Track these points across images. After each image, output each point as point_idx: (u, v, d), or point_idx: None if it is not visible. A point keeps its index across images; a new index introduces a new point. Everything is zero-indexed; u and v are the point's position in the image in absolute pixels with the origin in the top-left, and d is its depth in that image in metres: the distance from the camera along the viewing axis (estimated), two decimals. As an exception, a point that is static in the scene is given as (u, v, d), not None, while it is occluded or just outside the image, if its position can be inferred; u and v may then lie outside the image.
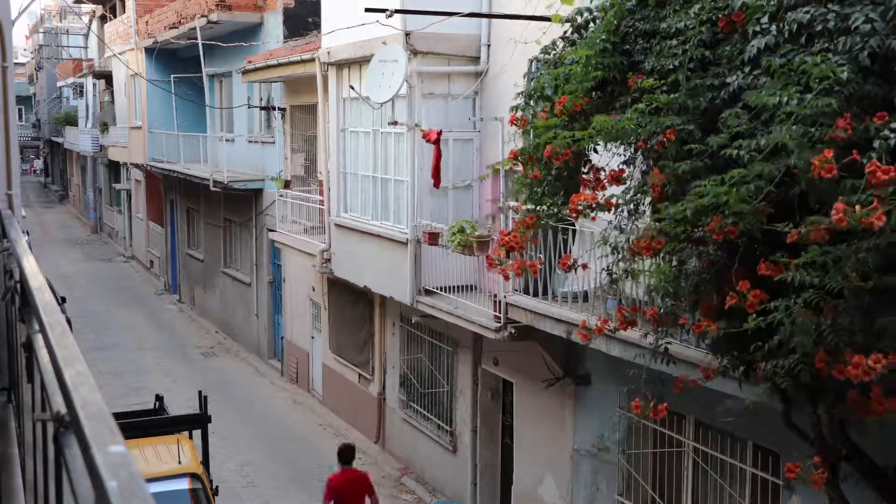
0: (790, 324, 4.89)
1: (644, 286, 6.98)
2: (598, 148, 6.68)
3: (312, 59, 15.76)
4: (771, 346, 5.15)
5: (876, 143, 4.77)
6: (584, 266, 7.21)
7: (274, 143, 20.67)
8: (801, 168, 4.87)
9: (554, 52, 7.70)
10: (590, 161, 6.84)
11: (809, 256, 4.76)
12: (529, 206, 7.00)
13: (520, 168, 7.26)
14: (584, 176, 6.77)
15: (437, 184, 11.98)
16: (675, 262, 6.07)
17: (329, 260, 15.49)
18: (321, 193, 16.30)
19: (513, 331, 10.42)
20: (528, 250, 8.35)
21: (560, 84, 6.94)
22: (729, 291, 5.27)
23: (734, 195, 5.00)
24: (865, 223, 4.41)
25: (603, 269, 7.14)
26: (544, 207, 6.97)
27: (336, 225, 15.06)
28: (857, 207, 4.47)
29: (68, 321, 2.50)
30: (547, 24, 8.84)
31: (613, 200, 6.39)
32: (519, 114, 7.46)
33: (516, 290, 10.17)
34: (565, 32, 7.77)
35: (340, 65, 14.57)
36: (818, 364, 4.96)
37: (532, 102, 7.46)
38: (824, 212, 4.88)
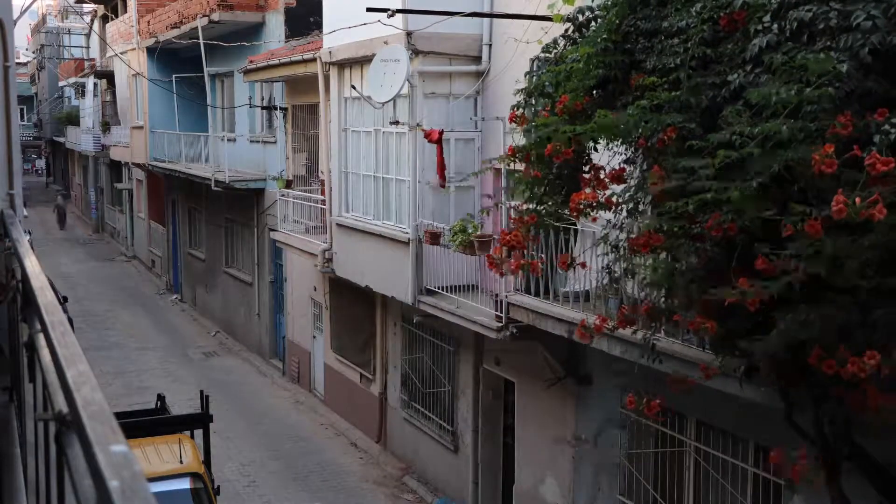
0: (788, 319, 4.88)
1: (641, 283, 6.98)
2: (599, 147, 6.68)
3: (314, 59, 15.76)
4: (776, 348, 5.13)
5: (876, 139, 4.76)
6: (583, 265, 7.20)
7: (275, 142, 20.68)
8: (800, 164, 4.86)
9: (555, 50, 7.70)
10: (590, 160, 6.83)
11: (810, 250, 4.73)
12: (530, 206, 7.00)
13: (520, 166, 7.25)
14: (584, 175, 6.77)
15: (442, 184, 12.01)
16: (669, 259, 6.06)
17: (330, 259, 15.49)
18: (322, 193, 16.31)
19: (514, 330, 10.42)
20: (530, 249, 8.34)
21: (561, 81, 6.94)
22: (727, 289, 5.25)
23: (735, 193, 4.99)
24: (865, 215, 4.40)
25: (603, 267, 7.13)
26: (545, 206, 6.96)
27: (337, 224, 15.07)
28: (858, 200, 4.46)
29: (70, 321, 2.50)
30: (548, 23, 8.83)
31: (614, 199, 6.39)
32: (519, 111, 7.45)
33: (518, 290, 10.17)
34: (567, 31, 7.77)
35: (342, 64, 14.57)
36: (811, 360, 4.95)
37: (533, 100, 7.45)
38: (822, 208, 4.86)
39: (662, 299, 6.28)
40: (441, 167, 11.90)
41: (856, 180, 4.65)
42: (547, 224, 7.21)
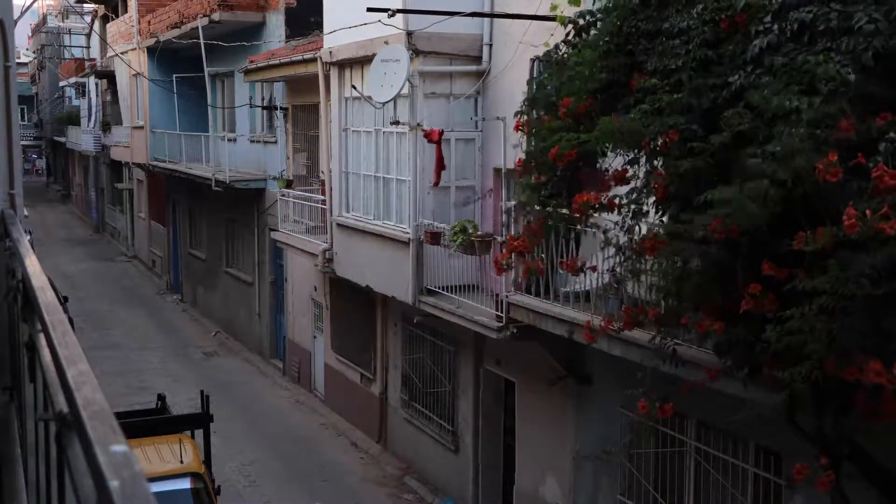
0: (808, 331, 4.86)
1: (646, 286, 6.97)
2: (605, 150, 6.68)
3: (314, 59, 15.76)
4: (778, 348, 5.10)
5: (881, 146, 4.75)
6: (593, 269, 7.20)
7: (276, 142, 20.68)
8: (806, 170, 4.84)
9: (556, 55, 7.69)
10: (597, 162, 6.83)
11: (832, 274, 4.70)
12: (537, 209, 7.00)
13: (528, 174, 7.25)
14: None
15: (436, 182, 12.00)
16: (678, 262, 6.05)
17: (331, 259, 15.49)
18: (323, 193, 16.30)
19: (514, 330, 10.41)
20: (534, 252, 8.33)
21: (564, 84, 6.94)
22: (734, 292, 5.24)
23: (748, 203, 4.95)
24: (877, 229, 4.38)
25: (608, 269, 7.12)
26: (549, 209, 6.96)
27: (338, 224, 15.06)
28: (868, 213, 4.44)
29: (70, 321, 2.50)
30: (552, 24, 8.83)
31: (617, 201, 6.38)
32: (523, 119, 7.46)
33: (518, 290, 10.16)
34: (568, 34, 7.76)
35: (342, 64, 14.57)
36: (828, 368, 4.93)
37: (536, 109, 7.46)
38: (827, 213, 4.85)
39: (672, 301, 6.26)
40: (438, 167, 11.89)
41: (860, 188, 4.64)
42: (552, 226, 7.21)
